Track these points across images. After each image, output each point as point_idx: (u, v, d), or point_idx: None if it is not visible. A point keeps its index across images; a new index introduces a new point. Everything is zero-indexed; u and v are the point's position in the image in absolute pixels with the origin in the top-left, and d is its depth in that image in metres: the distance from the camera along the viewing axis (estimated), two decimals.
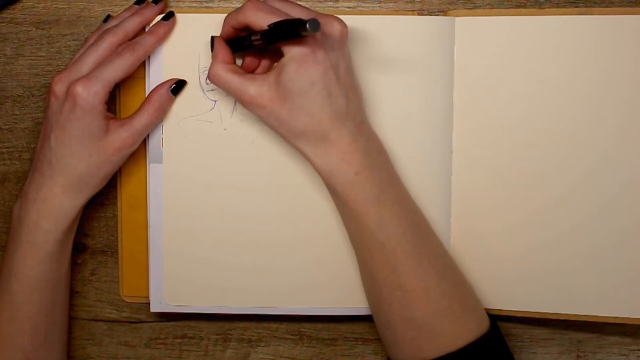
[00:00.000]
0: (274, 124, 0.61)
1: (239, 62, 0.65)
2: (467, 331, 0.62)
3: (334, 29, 0.59)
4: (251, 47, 0.62)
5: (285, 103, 0.60)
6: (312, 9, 0.64)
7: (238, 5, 0.69)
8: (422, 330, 0.61)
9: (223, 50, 0.63)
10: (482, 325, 0.63)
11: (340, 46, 0.60)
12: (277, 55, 0.61)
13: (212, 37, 0.64)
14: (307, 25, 0.54)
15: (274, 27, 0.58)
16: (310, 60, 0.58)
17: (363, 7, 0.69)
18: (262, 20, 0.59)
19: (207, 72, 0.66)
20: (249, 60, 0.65)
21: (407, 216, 0.62)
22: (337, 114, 0.60)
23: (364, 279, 0.65)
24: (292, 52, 0.58)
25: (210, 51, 0.64)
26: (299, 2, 0.69)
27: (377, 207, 0.61)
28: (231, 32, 0.63)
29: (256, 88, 0.60)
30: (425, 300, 0.61)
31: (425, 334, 0.62)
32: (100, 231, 0.71)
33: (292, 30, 0.56)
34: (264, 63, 0.65)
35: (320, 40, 0.59)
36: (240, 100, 0.61)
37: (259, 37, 0.59)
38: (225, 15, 0.63)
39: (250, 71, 0.65)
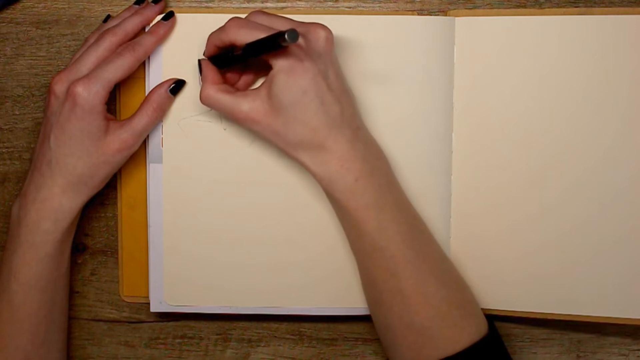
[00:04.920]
0: (271, 137, 0.61)
1: None
2: (465, 335, 0.62)
3: (318, 36, 0.59)
4: (235, 60, 0.62)
5: (279, 115, 0.59)
6: (311, 9, 0.64)
7: (237, 5, 0.69)
8: (422, 334, 0.61)
9: (211, 72, 0.63)
10: (480, 329, 0.63)
11: (326, 53, 0.60)
12: (261, 67, 0.61)
13: (199, 61, 0.64)
14: (286, 36, 0.53)
15: (251, 44, 0.58)
16: (299, 69, 0.58)
17: (363, 7, 0.69)
18: (245, 37, 0.59)
19: None
20: (230, 76, 0.65)
21: (406, 221, 0.62)
22: (332, 121, 0.60)
23: (364, 283, 0.65)
24: (280, 64, 0.58)
25: (198, 74, 0.64)
26: (300, 2, 0.69)
27: (377, 212, 0.61)
28: (215, 51, 0.63)
29: (249, 104, 0.60)
30: (424, 305, 0.61)
31: (424, 338, 0.61)
32: (100, 231, 0.71)
33: (273, 43, 0.56)
34: (246, 77, 0.65)
35: (305, 49, 0.58)
36: (235, 118, 0.61)
37: (240, 50, 0.59)
38: (209, 33, 0.62)
39: (232, 84, 0.64)
